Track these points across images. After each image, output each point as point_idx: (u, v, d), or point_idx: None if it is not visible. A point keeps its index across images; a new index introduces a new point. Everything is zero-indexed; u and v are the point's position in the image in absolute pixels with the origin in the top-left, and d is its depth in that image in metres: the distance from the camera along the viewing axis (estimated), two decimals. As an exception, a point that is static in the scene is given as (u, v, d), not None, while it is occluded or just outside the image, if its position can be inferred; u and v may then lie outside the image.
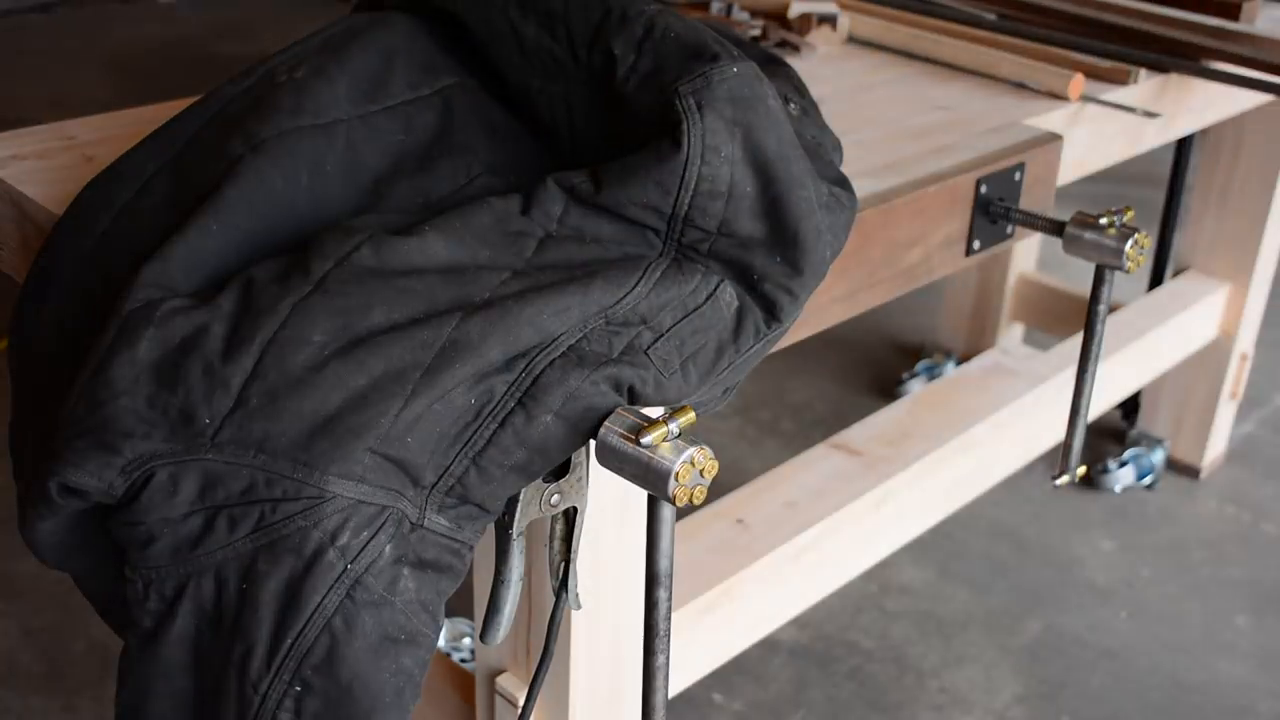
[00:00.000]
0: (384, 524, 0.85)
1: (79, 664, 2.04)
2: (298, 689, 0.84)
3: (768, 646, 2.09)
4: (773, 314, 1.03)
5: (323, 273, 0.92)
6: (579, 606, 1.05)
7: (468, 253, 0.97)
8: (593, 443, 0.95)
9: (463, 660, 1.95)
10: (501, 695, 1.24)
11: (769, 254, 1.02)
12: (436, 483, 0.88)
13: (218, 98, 1.13)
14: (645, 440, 0.91)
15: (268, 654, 0.83)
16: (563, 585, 1.04)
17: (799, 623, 2.15)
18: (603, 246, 1.00)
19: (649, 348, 0.96)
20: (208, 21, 5.40)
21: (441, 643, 1.99)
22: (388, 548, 0.85)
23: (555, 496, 0.98)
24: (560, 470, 0.98)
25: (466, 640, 2.00)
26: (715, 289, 1.01)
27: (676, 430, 0.92)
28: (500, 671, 1.25)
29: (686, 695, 1.96)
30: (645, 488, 0.94)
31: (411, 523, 0.87)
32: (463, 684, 1.36)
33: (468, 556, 0.91)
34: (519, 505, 0.96)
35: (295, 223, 1.02)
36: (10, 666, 2.04)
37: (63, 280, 1.03)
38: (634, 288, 0.96)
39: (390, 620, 0.85)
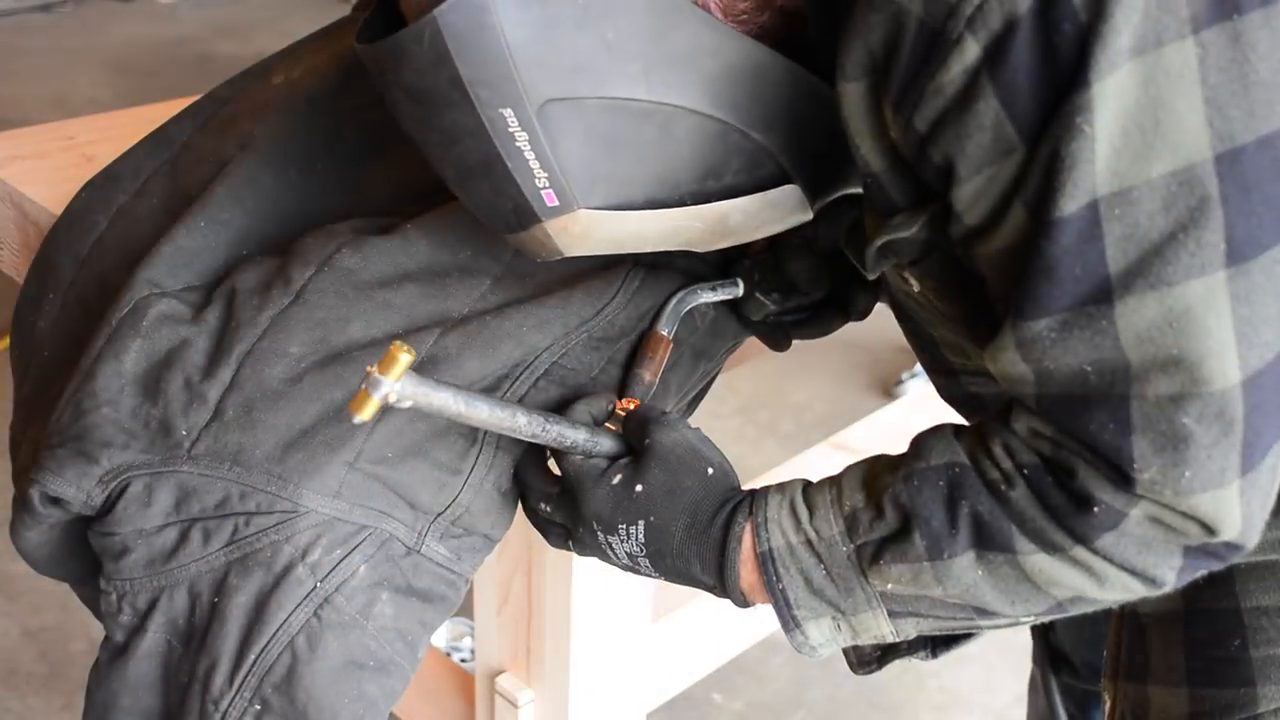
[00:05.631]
0: (361, 544, 0.83)
1: (79, 664, 2.04)
2: (257, 707, 0.82)
3: (768, 646, 2.09)
4: (745, 323, 1.04)
5: (303, 281, 0.92)
6: None
7: (449, 252, 0.96)
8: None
9: (463, 660, 1.95)
10: (501, 695, 1.24)
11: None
12: (443, 511, 0.86)
13: (214, 99, 1.13)
14: None
15: (231, 669, 0.82)
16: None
17: (799, 623, 2.15)
18: None
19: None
20: (208, 21, 5.39)
21: (441, 643, 1.99)
22: (362, 568, 0.83)
23: None
24: None
25: (466, 640, 2.00)
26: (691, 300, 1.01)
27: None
28: (500, 671, 1.25)
29: (686, 695, 1.96)
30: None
31: (406, 547, 0.85)
32: (463, 684, 1.35)
33: (462, 589, 0.89)
34: None
35: (284, 219, 1.01)
36: (10, 666, 2.04)
37: (61, 281, 1.03)
38: (613, 298, 0.96)
39: (358, 644, 0.83)
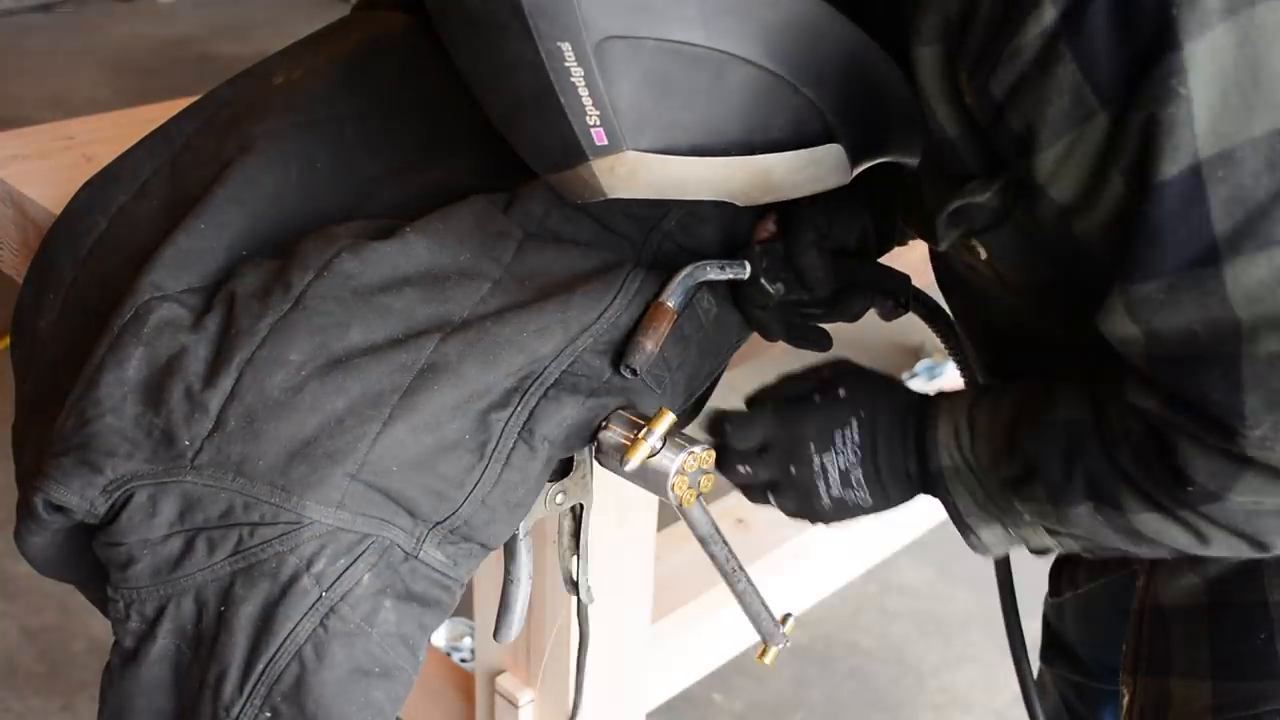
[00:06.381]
0: (364, 552, 0.84)
1: (79, 664, 2.04)
2: (268, 715, 0.83)
3: (768, 646, 2.10)
4: (748, 320, 1.04)
5: (303, 286, 0.91)
6: (591, 600, 1.05)
7: (449, 255, 0.96)
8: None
9: (463, 660, 1.95)
10: (501, 695, 1.24)
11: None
12: (442, 521, 0.87)
13: (214, 99, 1.13)
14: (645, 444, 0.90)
15: (240, 678, 0.82)
16: (573, 581, 1.04)
17: (799, 622, 2.14)
18: (580, 251, 1.00)
19: (641, 367, 0.94)
20: (208, 21, 5.40)
21: (441, 643, 1.99)
22: (366, 577, 0.83)
23: (560, 495, 0.98)
24: (564, 469, 0.97)
25: (467, 640, 2.00)
26: (693, 298, 1.00)
27: (661, 437, 0.91)
28: (500, 671, 1.25)
29: (687, 695, 1.96)
30: (645, 488, 0.94)
31: (405, 552, 0.85)
32: (463, 684, 1.36)
33: (457, 593, 0.90)
34: None
35: (285, 220, 1.01)
36: (10, 666, 2.04)
37: (61, 281, 1.03)
38: (613, 300, 0.95)
39: (364, 651, 0.84)
